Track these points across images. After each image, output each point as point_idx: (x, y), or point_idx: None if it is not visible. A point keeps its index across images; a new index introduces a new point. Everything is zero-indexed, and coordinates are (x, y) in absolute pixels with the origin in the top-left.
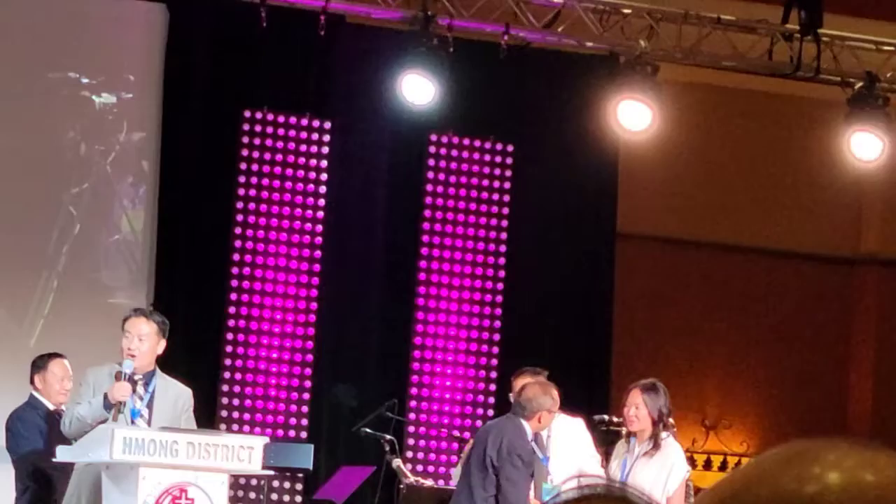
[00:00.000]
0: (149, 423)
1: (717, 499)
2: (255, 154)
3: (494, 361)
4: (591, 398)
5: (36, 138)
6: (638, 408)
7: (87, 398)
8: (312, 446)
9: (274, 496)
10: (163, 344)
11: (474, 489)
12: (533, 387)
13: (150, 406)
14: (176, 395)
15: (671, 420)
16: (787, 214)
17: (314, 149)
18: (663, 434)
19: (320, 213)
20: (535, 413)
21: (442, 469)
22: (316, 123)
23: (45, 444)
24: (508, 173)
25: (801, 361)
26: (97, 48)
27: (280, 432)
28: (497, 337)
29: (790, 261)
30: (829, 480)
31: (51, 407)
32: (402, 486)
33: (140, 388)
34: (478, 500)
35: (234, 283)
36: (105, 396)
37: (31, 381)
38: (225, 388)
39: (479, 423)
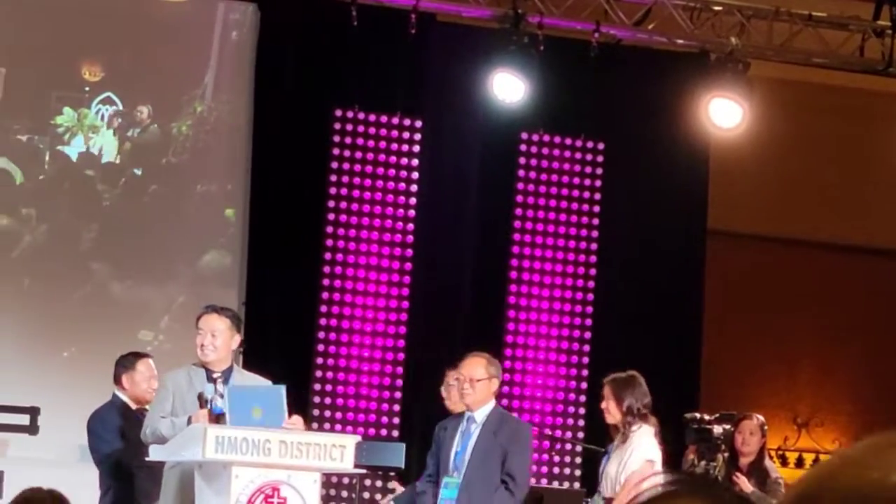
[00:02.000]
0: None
1: (803, 488)
2: (347, 153)
3: (585, 360)
4: (682, 396)
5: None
6: (607, 401)
7: (166, 403)
8: (404, 445)
9: (366, 495)
10: (237, 339)
11: None
12: None
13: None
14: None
15: (646, 412)
16: (880, 211)
17: (405, 148)
18: (634, 426)
19: (411, 212)
20: None
21: (534, 468)
22: (407, 122)
23: (127, 444)
24: (599, 171)
25: (894, 357)
26: (188, 48)
27: (372, 431)
28: (588, 336)
29: (883, 258)
30: None
31: (133, 406)
32: None
33: (220, 386)
34: None
35: (326, 282)
36: (189, 420)
37: (117, 381)
38: (317, 386)
39: (570, 420)
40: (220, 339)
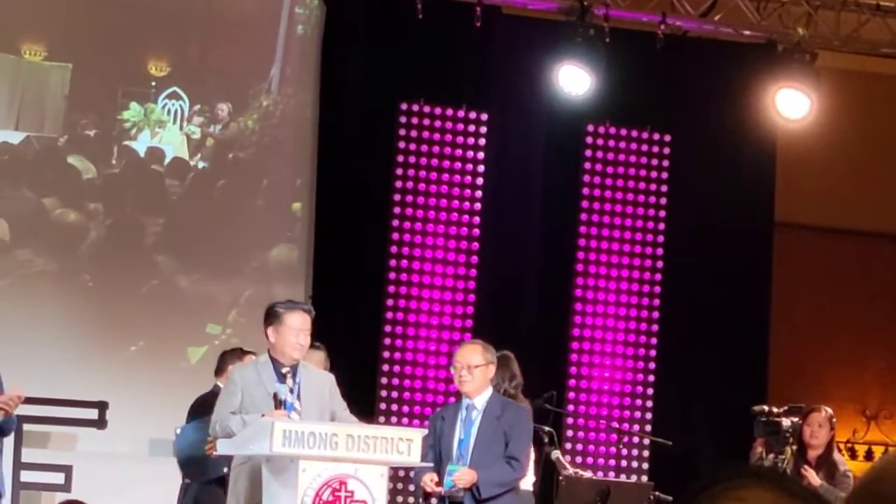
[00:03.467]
0: (300, 415)
1: (871, 471)
2: (412, 147)
3: (653, 353)
4: (750, 388)
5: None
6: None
7: (235, 398)
8: None
9: None
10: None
11: None
12: None
13: (299, 397)
14: (321, 382)
15: (515, 392)
16: None
17: (471, 140)
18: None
19: (477, 205)
20: None
21: (601, 461)
22: (472, 115)
23: None
24: (666, 163)
25: None
26: (254, 43)
27: None
28: (655, 328)
29: None
30: None
31: None
32: (560, 477)
33: (289, 380)
34: None
35: (392, 275)
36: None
37: (218, 373)
38: (384, 380)
39: (637, 414)
40: (309, 337)
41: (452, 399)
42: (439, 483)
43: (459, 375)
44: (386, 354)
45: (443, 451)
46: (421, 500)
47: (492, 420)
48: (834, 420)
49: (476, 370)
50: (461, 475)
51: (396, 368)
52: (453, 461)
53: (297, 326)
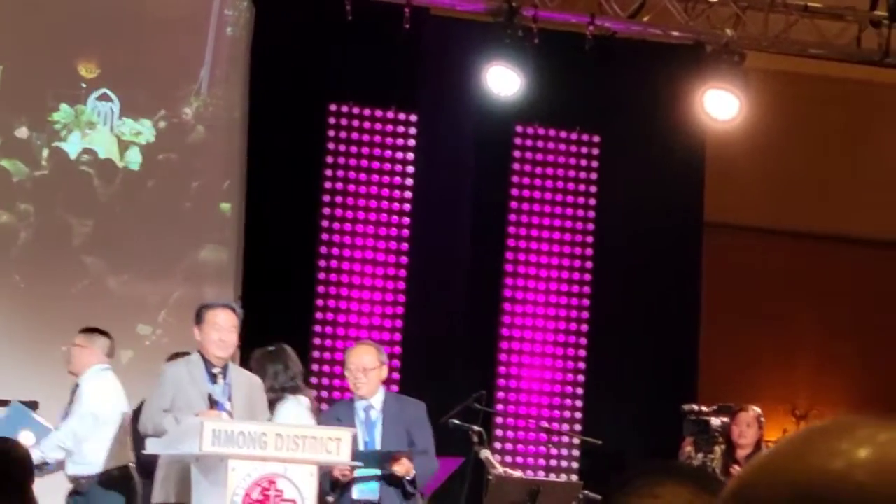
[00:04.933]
0: (231, 415)
1: (742, 477)
2: (342, 147)
3: (582, 352)
4: (680, 388)
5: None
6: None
7: (166, 397)
8: None
9: None
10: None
11: None
12: None
13: (230, 398)
14: (250, 385)
15: (294, 384)
16: (877, 202)
17: (400, 142)
18: (281, 400)
19: (406, 206)
20: None
21: (530, 460)
22: (402, 116)
23: None
24: (595, 164)
25: (892, 350)
26: (184, 44)
27: None
28: (585, 328)
29: (882, 249)
30: (858, 456)
31: None
32: (490, 477)
33: (220, 381)
34: None
35: (322, 276)
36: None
37: None
38: (314, 380)
39: (567, 413)
40: (234, 335)
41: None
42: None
43: (355, 378)
44: (316, 354)
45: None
46: (330, 493)
47: (393, 420)
48: (762, 420)
49: (371, 372)
50: (401, 466)
51: (326, 368)
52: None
53: (219, 324)
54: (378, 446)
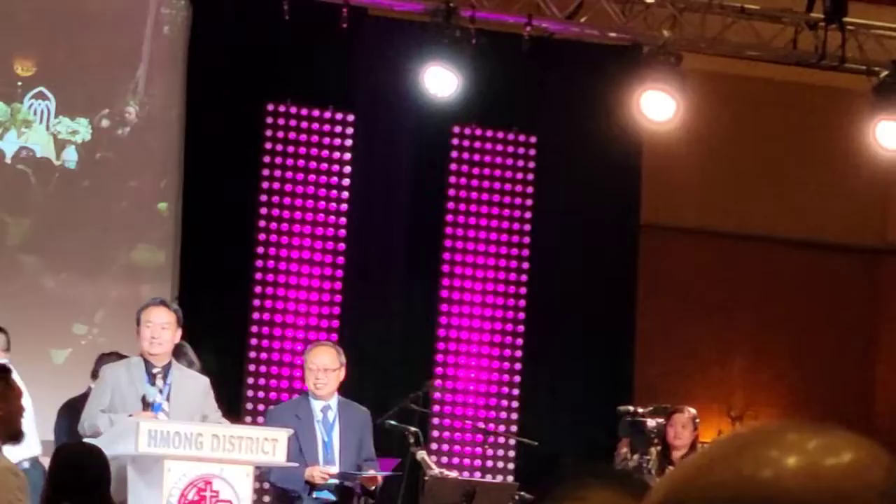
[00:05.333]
0: (168, 416)
1: (670, 485)
2: (279, 147)
3: (519, 353)
4: (616, 389)
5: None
6: None
7: (105, 397)
8: None
9: None
10: (179, 333)
11: None
12: None
13: (169, 399)
14: (194, 385)
15: None
16: (813, 204)
17: (337, 142)
18: None
19: (344, 206)
20: None
21: (466, 461)
22: (339, 116)
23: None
24: (532, 164)
25: (828, 352)
26: (121, 43)
27: None
28: (521, 329)
29: (816, 251)
30: (787, 464)
31: None
32: (426, 477)
33: (159, 381)
34: None
35: (259, 276)
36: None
37: (94, 376)
38: (250, 380)
39: (503, 414)
40: (169, 332)
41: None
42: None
43: (316, 378)
44: (252, 354)
45: (306, 453)
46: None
47: (347, 424)
48: (697, 421)
49: (332, 373)
50: (370, 479)
51: (263, 368)
52: (320, 464)
53: (151, 321)
54: (336, 448)
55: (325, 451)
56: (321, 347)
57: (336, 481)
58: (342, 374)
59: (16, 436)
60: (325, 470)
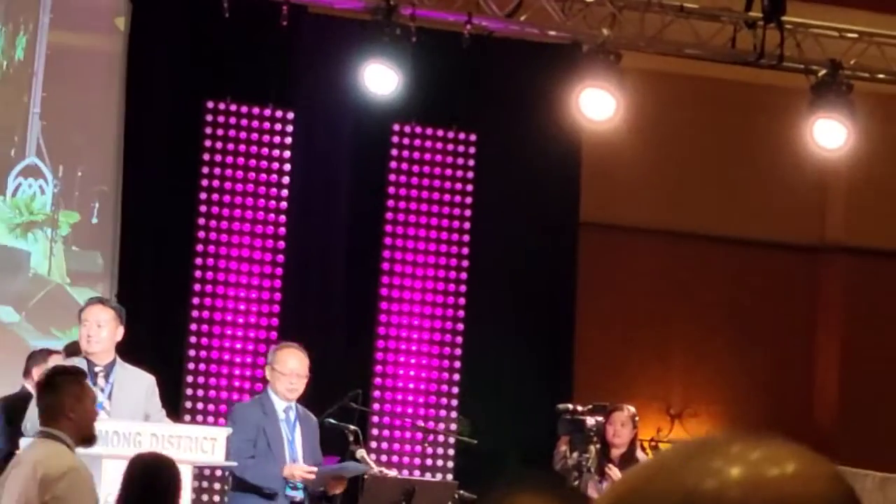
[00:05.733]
0: (109, 415)
1: (616, 494)
2: (219, 145)
3: (458, 351)
4: (556, 387)
5: None
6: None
7: None
8: None
9: None
10: (121, 331)
11: None
12: None
13: (111, 397)
14: (139, 384)
15: None
16: (752, 203)
17: (277, 139)
18: None
19: (284, 204)
20: None
21: (406, 459)
22: (279, 114)
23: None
24: (472, 162)
25: (767, 349)
26: (56, 39)
27: None
28: (461, 326)
29: (755, 249)
30: (731, 475)
31: None
32: (366, 476)
33: (101, 380)
34: None
35: (198, 274)
36: None
37: (25, 375)
38: (189, 379)
39: (443, 412)
40: (106, 330)
41: None
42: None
43: (290, 383)
44: (192, 353)
45: (274, 451)
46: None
47: (305, 425)
48: (636, 419)
49: (303, 379)
50: (338, 483)
51: (202, 367)
52: (287, 462)
53: (88, 320)
54: (299, 448)
55: (290, 450)
56: (295, 352)
57: (313, 478)
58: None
59: (89, 439)
60: (307, 469)
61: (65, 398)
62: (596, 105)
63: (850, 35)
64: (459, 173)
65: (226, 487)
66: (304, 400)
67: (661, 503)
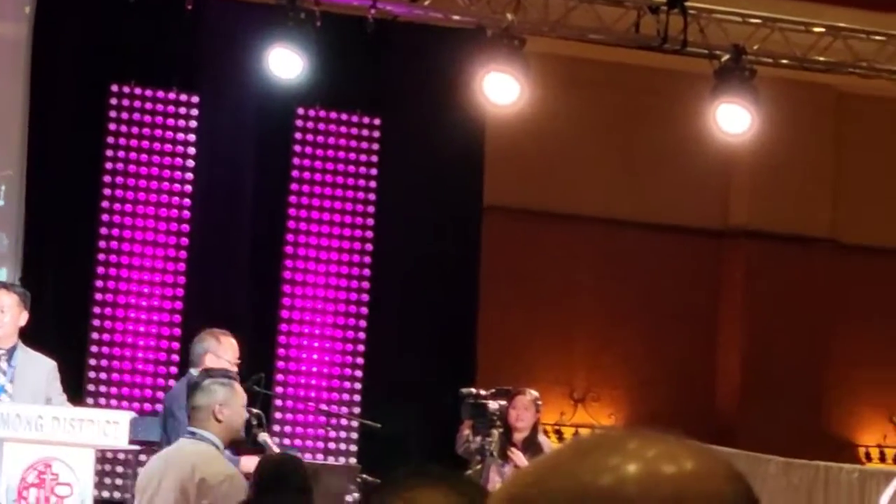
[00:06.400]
0: (11, 398)
1: (511, 490)
2: (123, 128)
3: (362, 335)
4: (458, 371)
5: None
6: None
7: None
8: None
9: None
10: (25, 316)
11: None
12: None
13: (13, 381)
14: (41, 368)
15: None
16: (656, 187)
17: (181, 123)
18: None
19: (188, 188)
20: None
21: (309, 443)
22: (183, 97)
23: None
24: (376, 146)
25: (670, 334)
26: None
27: (148, 406)
28: (364, 310)
29: (658, 233)
30: (627, 472)
31: None
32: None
33: (3, 364)
34: None
35: (102, 256)
36: None
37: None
38: (92, 361)
39: (345, 396)
40: (9, 314)
41: (164, 381)
42: None
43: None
44: (95, 336)
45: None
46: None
47: None
48: (539, 403)
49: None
50: None
51: (106, 350)
52: None
53: None
54: None
55: None
56: (232, 340)
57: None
58: None
59: (238, 442)
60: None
61: None
62: (500, 89)
63: (753, 20)
64: (364, 157)
65: (129, 471)
66: None
67: (556, 500)
